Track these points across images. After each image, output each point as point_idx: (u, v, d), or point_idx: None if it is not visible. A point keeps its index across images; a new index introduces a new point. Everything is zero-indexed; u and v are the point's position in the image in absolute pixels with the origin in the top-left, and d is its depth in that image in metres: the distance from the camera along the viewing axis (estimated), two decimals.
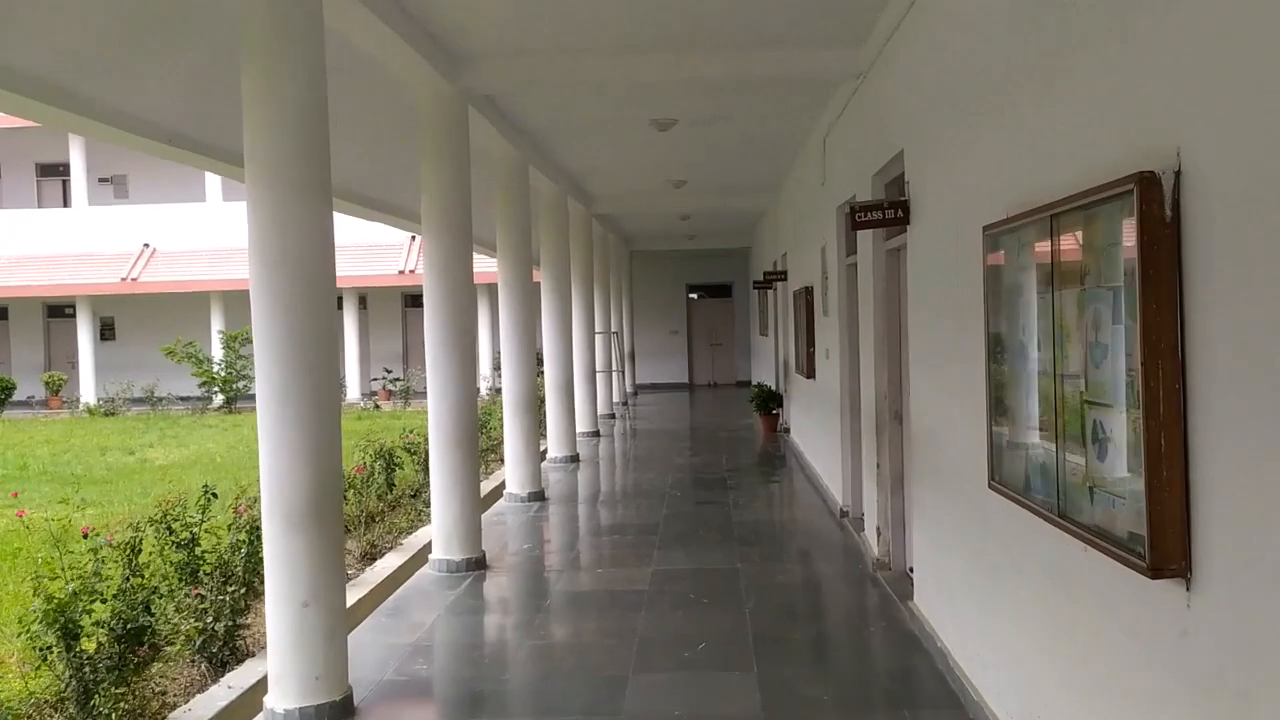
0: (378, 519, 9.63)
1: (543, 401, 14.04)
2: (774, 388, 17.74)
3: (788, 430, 16.19)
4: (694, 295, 29.34)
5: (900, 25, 6.41)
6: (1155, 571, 2.88)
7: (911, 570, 7.25)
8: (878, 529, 7.87)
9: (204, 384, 25.91)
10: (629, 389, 24.60)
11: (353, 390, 27.81)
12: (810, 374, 12.17)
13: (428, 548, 8.40)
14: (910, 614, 6.50)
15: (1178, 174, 2.84)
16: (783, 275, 15.63)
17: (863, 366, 8.52)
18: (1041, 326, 3.81)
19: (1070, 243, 3.53)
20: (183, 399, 27.36)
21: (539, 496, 11.27)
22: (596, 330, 18.65)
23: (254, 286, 5.11)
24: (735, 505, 10.81)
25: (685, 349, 29.23)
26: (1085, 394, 3.41)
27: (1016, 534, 4.21)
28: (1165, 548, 2.86)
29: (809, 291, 11.99)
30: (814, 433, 12.30)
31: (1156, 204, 2.86)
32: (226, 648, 5.80)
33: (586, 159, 12.92)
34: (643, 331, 27.90)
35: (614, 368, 21.14)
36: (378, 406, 25.78)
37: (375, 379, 28.38)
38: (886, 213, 6.41)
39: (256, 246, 5.06)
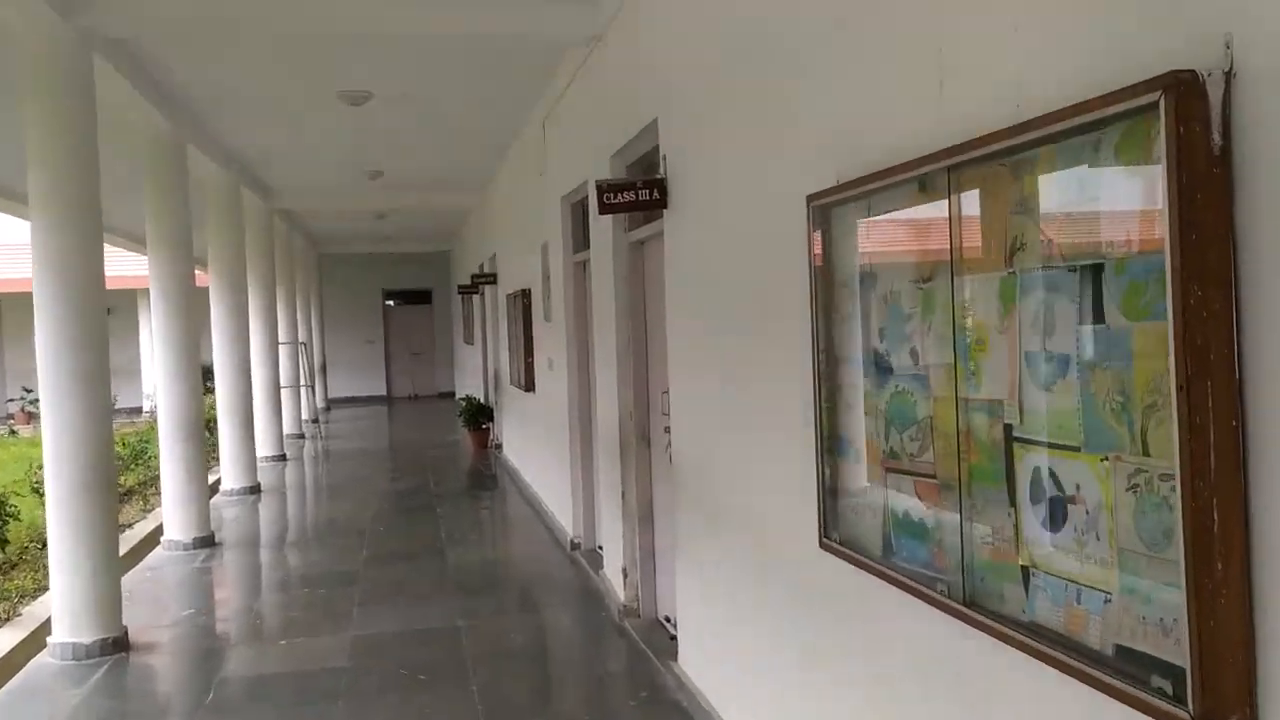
0: None
1: (214, 424, 11.96)
2: (483, 400, 16.33)
3: (500, 447, 14.83)
4: (391, 302, 27.35)
5: None
6: None
7: (668, 620, 6.09)
8: (623, 569, 6.67)
9: None
10: (321, 405, 22.40)
11: None
12: (529, 387, 10.87)
13: (50, 625, 6.39)
14: (677, 681, 5.32)
15: (1229, 76, 1.73)
16: (492, 278, 14.28)
17: (599, 380, 7.30)
18: (923, 329, 2.67)
19: (985, 205, 2.39)
20: None
21: (207, 541, 9.29)
22: (281, 341, 16.53)
23: None
24: (450, 540, 9.33)
25: (383, 359, 27.19)
26: (1018, 428, 2.28)
27: (873, 616, 3.05)
28: (1221, 687, 1.74)
29: (526, 295, 10.70)
30: (535, 452, 11.01)
31: (1198, 124, 1.74)
32: None
33: (262, 140, 11.00)
34: (335, 341, 25.65)
35: (303, 382, 19.00)
36: (14, 432, 22.14)
37: (12, 399, 24.54)
38: (640, 193, 5.20)
39: None
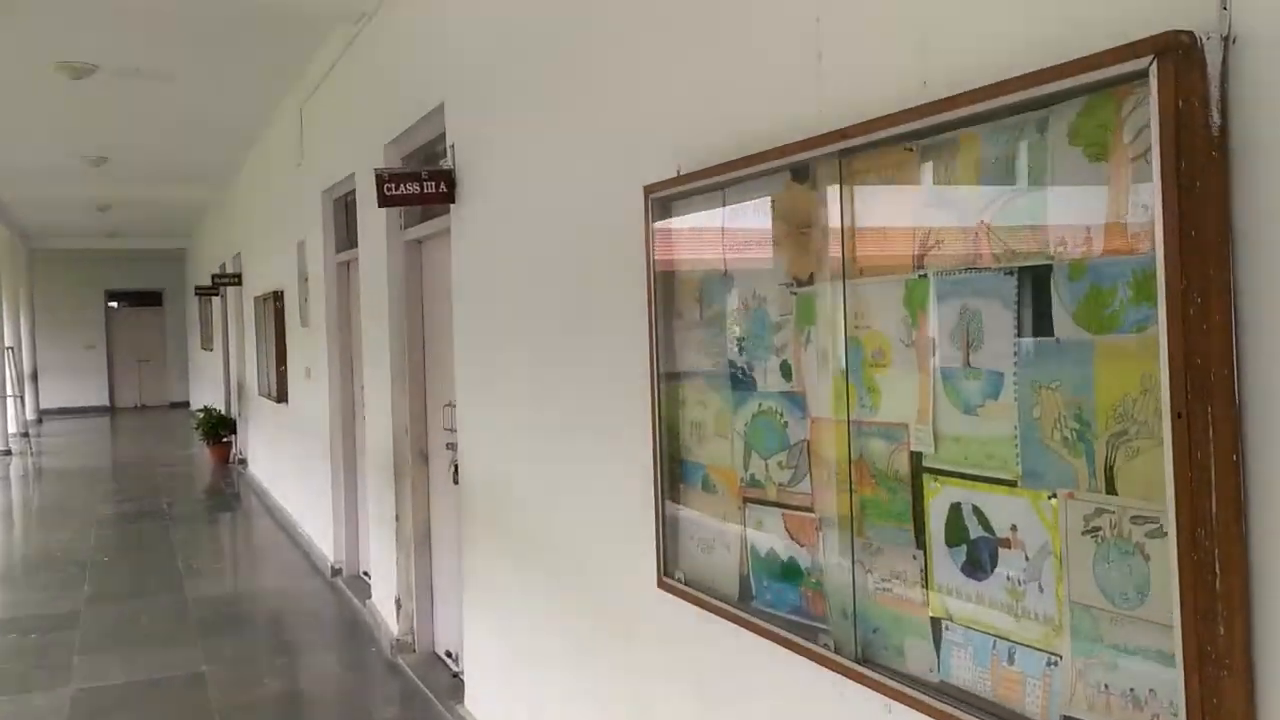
0: None
1: None
2: (224, 411, 15.09)
3: (245, 462, 13.70)
4: (116, 304, 25.08)
5: None
6: None
7: (450, 655, 5.56)
8: (396, 600, 6.09)
9: None
10: (30, 416, 20.19)
11: None
12: (281, 398, 9.99)
13: None
14: None
15: (1227, 42, 1.45)
16: (236, 279, 13.17)
17: (368, 391, 6.66)
18: (798, 340, 2.31)
19: (885, 197, 2.05)
20: None
21: None
22: None
23: None
24: (189, 571, 8.37)
25: (105, 366, 24.88)
26: (930, 457, 1.95)
27: (729, 667, 2.67)
28: None
29: (278, 297, 9.82)
30: (288, 469, 10.12)
31: (1196, 99, 1.44)
32: None
33: None
34: (49, 346, 23.26)
35: (9, 391, 17.01)
36: None
37: None
38: (426, 185, 4.66)
39: None
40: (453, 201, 4.73)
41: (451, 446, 5.16)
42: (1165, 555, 1.49)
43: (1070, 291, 1.65)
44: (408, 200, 4.69)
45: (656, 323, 2.84)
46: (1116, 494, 1.59)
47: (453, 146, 4.75)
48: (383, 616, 6.42)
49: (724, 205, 2.57)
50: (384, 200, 4.65)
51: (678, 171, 2.77)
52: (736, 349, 2.54)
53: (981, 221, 1.81)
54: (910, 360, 1.98)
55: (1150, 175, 1.49)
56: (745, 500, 2.55)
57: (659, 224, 2.82)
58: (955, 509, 1.90)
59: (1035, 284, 1.72)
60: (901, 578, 2.05)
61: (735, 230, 2.53)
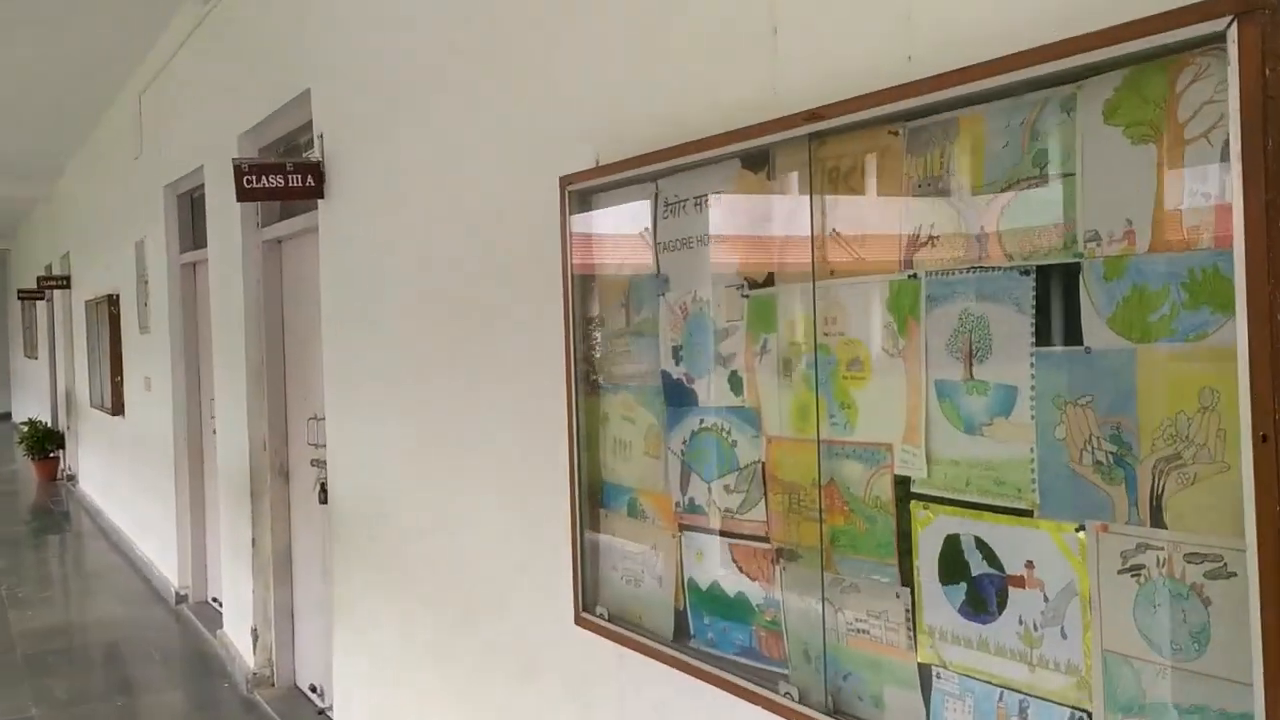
0: None
1: None
2: (51, 424, 14.02)
3: (74, 479, 12.73)
4: None
5: None
6: None
7: (315, 690, 5.12)
8: (253, 629, 5.60)
9: None
10: None
11: None
12: (116, 410, 9.24)
13: None
14: None
15: None
16: (65, 281, 12.22)
17: (219, 403, 6.14)
18: (751, 349, 2.05)
19: (864, 185, 1.81)
20: None
21: None
22: None
23: None
24: (13, 600, 7.63)
25: None
26: (921, 482, 1.71)
27: (654, 713, 2.39)
28: None
29: (113, 301, 9.10)
30: (125, 487, 9.37)
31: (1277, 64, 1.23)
32: None
33: None
34: None
35: None
36: None
37: None
38: (292, 178, 4.24)
39: None
40: (321, 196, 4.33)
41: (318, 463, 4.74)
42: (1233, 599, 1.28)
43: (1105, 293, 1.43)
44: (270, 194, 4.25)
45: (574, 329, 2.54)
46: (1165, 527, 1.37)
47: (321, 136, 4.34)
48: (237, 648, 5.90)
49: (657, 198, 2.29)
50: (243, 194, 4.21)
51: (596, 161, 2.48)
52: (673, 358, 2.27)
53: (989, 214, 1.58)
54: (896, 372, 1.74)
55: (1213, 158, 1.28)
56: (681, 527, 2.28)
57: (578, 219, 2.52)
58: (952, 541, 1.66)
59: (1059, 285, 1.49)
60: (882, 618, 1.80)
61: (672, 225, 2.26)
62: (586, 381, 2.54)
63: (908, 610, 1.75)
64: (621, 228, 2.44)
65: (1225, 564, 1.32)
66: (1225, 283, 1.29)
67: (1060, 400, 1.49)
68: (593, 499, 2.55)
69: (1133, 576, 1.42)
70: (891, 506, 1.76)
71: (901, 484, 1.74)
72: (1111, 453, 1.43)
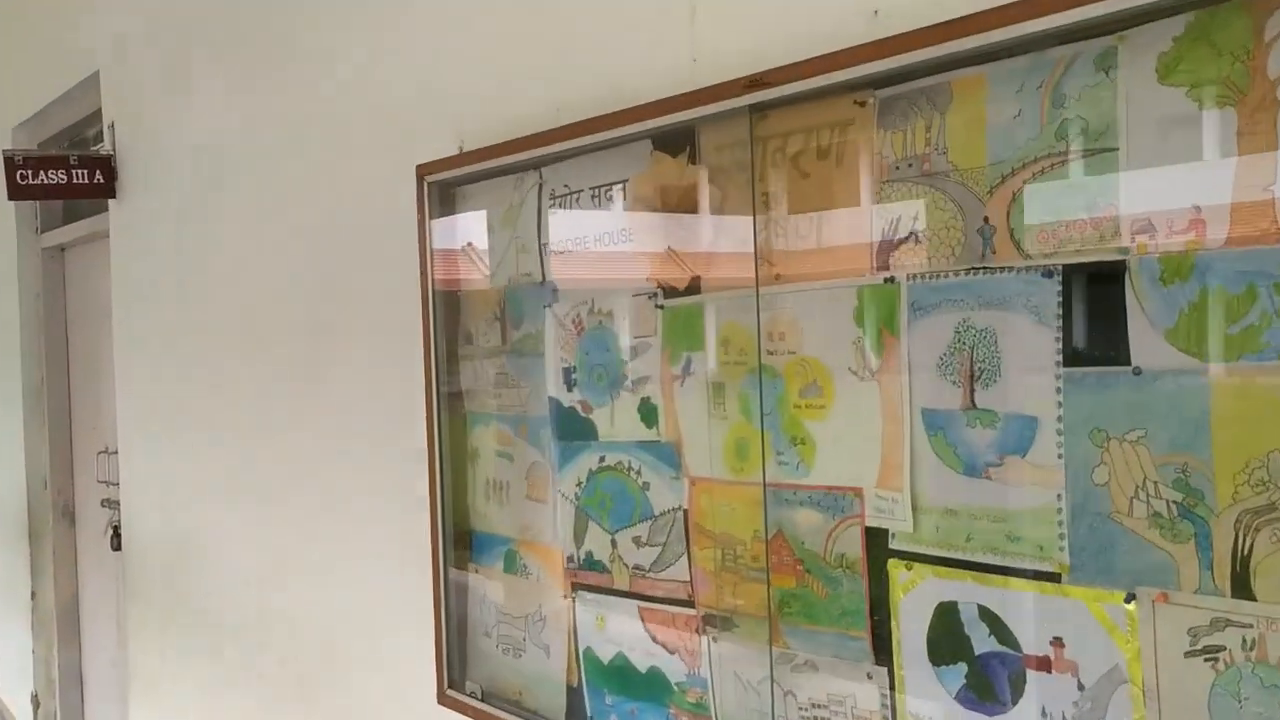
0: None
1: None
2: None
3: None
4: None
5: None
6: None
7: None
8: (33, 696, 4.88)
9: None
10: None
11: None
12: None
13: None
14: None
15: None
16: None
17: None
18: (668, 372, 1.68)
19: (817, 170, 1.46)
20: None
21: None
22: None
23: None
24: None
25: None
26: (903, 536, 1.37)
27: None
28: None
29: None
30: None
31: None
32: None
33: None
34: None
35: None
36: None
37: None
38: (77, 174, 3.64)
39: None
40: (112, 196, 3.74)
41: (110, 503, 4.12)
42: None
43: (1163, 299, 1.12)
44: (50, 193, 3.64)
45: (436, 349, 2.11)
46: (1254, 598, 1.07)
47: (111, 126, 3.74)
48: (11, 717, 5.14)
49: (541, 190, 1.89)
50: (15, 191, 3.58)
51: (460, 148, 2.07)
52: (563, 383, 1.87)
53: (996, 202, 1.25)
54: (867, 398, 1.40)
55: None
56: (575, 587, 1.88)
57: (440, 220, 2.10)
58: (947, 611, 1.33)
59: (1095, 289, 1.18)
60: (845, 705, 1.46)
61: (562, 223, 1.87)
62: (452, 411, 2.12)
63: (883, 695, 1.41)
64: (495, 227, 2.03)
65: None
66: None
67: (1100, 435, 1.18)
68: (460, 551, 2.13)
69: (1206, 660, 1.11)
70: (861, 566, 1.42)
71: (876, 538, 1.40)
72: (1175, 502, 1.12)
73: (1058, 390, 1.21)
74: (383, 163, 2.26)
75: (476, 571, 2.13)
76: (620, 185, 1.74)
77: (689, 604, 1.67)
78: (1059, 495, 1.22)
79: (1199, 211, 1.10)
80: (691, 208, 1.63)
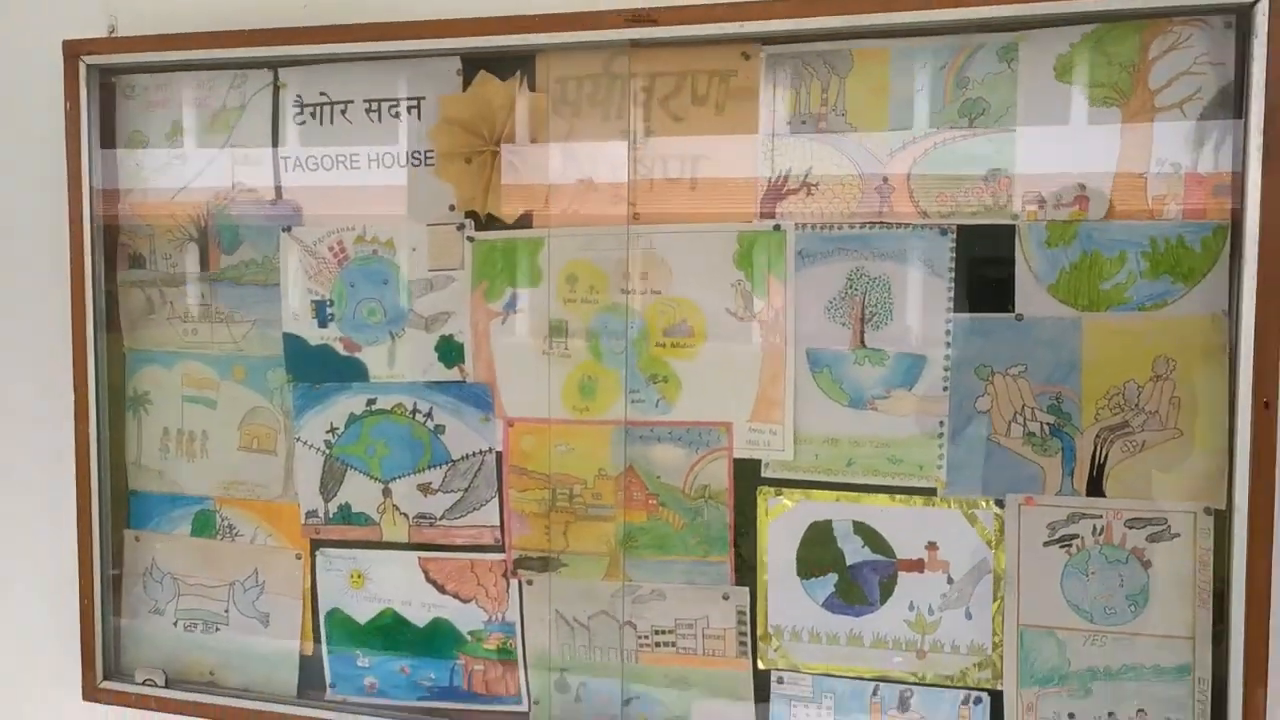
0: None
1: None
2: None
3: None
4: None
5: None
6: None
7: None
8: None
9: None
10: None
11: None
12: None
13: None
14: None
15: None
16: None
17: None
18: (484, 308, 1.60)
19: (708, 114, 1.50)
20: None
21: None
22: None
23: None
24: None
25: None
26: (783, 464, 1.50)
27: None
28: None
29: None
30: None
31: None
32: None
33: None
34: None
35: None
36: None
37: None
38: None
39: None
40: None
41: None
42: (1175, 558, 1.35)
43: (1047, 259, 1.38)
44: None
45: (94, 271, 1.73)
46: (1104, 495, 1.38)
47: None
48: None
49: (278, 92, 1.65)
50: None
51: (111, 30, 1.72)
52: (314, 317, 1.66)
53: (896, 163, 1.42)
54: (744, 338, 1.48)
55: (1186, 130, 1.31)
56: (317, 544, 1.70)
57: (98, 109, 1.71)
58: (820, 529, 1.48)
59: (986, 247, 1.40)
60: (695, 627, 1.54)
61: (317, 134, 1.64)
62: (114, 349, 1.76)
63: (741, 611, 1.52)
64: (191, 130, 1.71)
65: (1169, 526, 1.36)
66: (1190, 253, 1.33)
67: (985, 370, 1.41)
68: (116, 518, 1.78)
69: (1061, 547, 1.40)
70: (727, 496, 1.51)
71: (745, 468, 1.50)
72: (1049, 424, 1.39)
73: (947, 333, 1.41)
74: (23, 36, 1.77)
75: (139, 540, 1.79)
76: (413, 102, 1.59)
77: (496, 549, 1.61)
78: (941, 422, 1.42)
79: (1083, 189, 1.36)
80: (524, 138, 1.55)
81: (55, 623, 1.80)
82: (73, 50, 1.68)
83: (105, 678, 1.77)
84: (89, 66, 1.68)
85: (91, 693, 1.77)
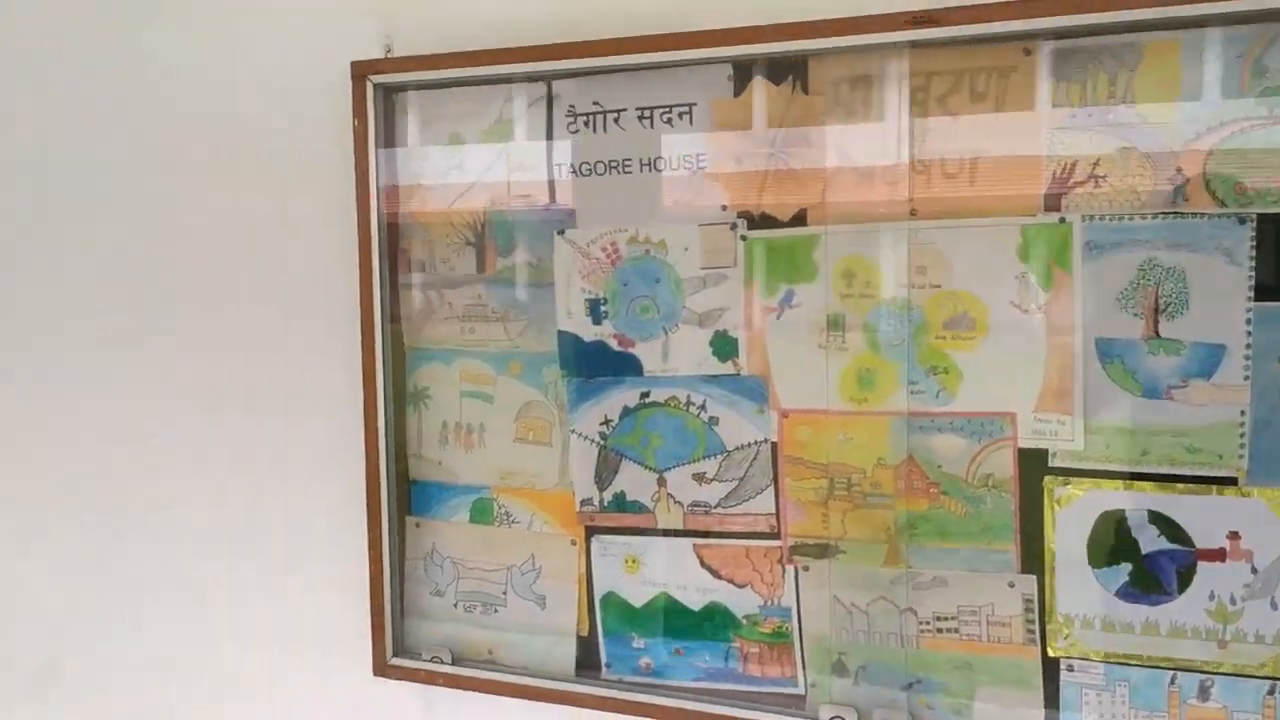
0: None
1: None
2: None
3: None
4: None
5: None
6: None
7: None
8: None
9: None
10: None
11: None
12: None
13: None
14: None
15: None
16: None
17: None
18: (755, 304, 1.64)
19: (985, 111, 1.51)
20: None
21: None
22: None
23: None
24: None
25: None
26: (1072, 454, 1.51)
27: None
28: None
29: None
30: None
31: None
32: None
33: None
34: None
35: None
36: None
37: None
38: None
39: None
40: None
41: None
42: None
43: None
44: None
45: (381, 278, 1.84)
46: None
47: None
48: None
49: (552, 103, 1.72)
50: None
51: (387, 50, 1.81)
52: (588, 315, 1.74)
53: (1190, 155, 1.40)
54: (1029, 330, 1.49)
55: None
56: (592, 531, 1.78)
57: (389, 146, 1.81)
58: (1111, 519, 1.49)
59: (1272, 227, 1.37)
60: (979, 614, 1.57)
61: (590, 143, 1.71)
62: (396, 348, 1.87)
63: (1028, 599, 1.54)
64: (468, 142, 1.79)
65: None
66: None
67: None
68: (401, 504, 1.90)
69: None
70: (1011, 484, 1.52)
71: (1031, 458, 1.51)
72: None
73: (1248, 322, 1.39)
74: (298, 57, 1.88)
75: (420, 526, 1.90)
76: (685, 108, 1.64)
77: (771, 536, 1.66)
78: (1242, 411, 1.41)
79: None
80: (798, 140, 1.58)
81: (346, 603, 1.93)
82: (360, 70, 1.78)
83: (394, 655, 1.90)
84: (375, 85, 1.78)
85: (381, 669, 1.90)
